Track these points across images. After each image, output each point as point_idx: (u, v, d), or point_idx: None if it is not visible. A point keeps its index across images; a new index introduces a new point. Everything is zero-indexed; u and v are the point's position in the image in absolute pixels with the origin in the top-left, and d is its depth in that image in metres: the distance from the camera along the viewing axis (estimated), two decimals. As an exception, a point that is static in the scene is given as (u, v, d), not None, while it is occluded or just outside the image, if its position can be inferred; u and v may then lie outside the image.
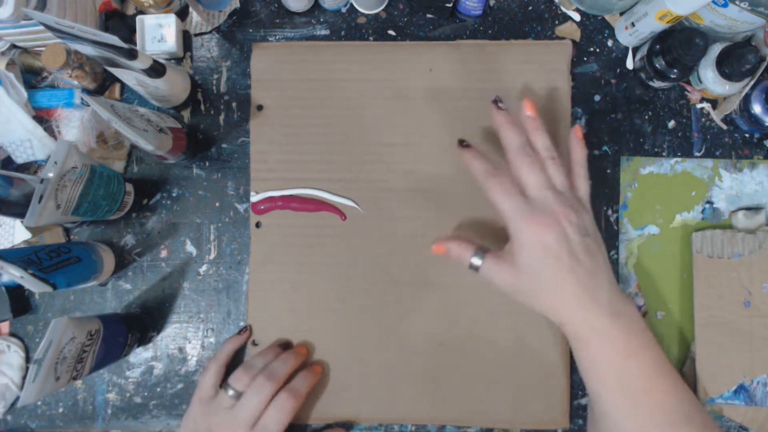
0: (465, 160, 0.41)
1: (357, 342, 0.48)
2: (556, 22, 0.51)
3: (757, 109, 0.47)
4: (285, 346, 0.48)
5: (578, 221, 0.37)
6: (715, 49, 0.47)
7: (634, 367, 0.36)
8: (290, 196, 0.49)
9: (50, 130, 0.50)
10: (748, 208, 0.49)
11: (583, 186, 0.40)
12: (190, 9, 0.51)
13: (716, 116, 0.50)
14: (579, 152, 0.41)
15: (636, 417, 0.36)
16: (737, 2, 0.42)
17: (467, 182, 0.49)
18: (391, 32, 0.52)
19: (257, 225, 0.50)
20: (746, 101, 0.47)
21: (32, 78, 0.51)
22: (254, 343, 0.49)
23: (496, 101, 0.41)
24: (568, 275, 0.36)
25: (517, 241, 0.38)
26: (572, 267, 0.36)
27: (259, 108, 0.50)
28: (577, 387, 0.49)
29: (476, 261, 0.39)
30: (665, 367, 0.37)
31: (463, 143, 0.42)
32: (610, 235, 0.50)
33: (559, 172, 0.39)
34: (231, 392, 0.43)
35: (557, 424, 0.47)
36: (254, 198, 0.49)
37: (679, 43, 0.44)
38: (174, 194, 0.51)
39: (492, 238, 0.49)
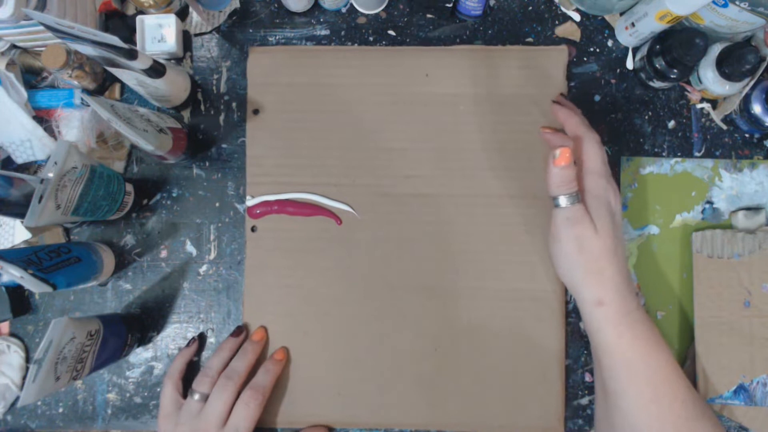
0: (561, 116, 0.44)
1: (353, 346, 0.48)
2: (556, 22, 0.51)
3: (757, 109, 0.47)
4: (239, 332, 0.48)
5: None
6: (715, 49, 0.47)
7: (658, 355, 0.36)
8: (286, 200, 0.49)
9: (50, 130, 0.50)
10: (748, 208, 0.49)
11: None
12: (190, 9, 0.51)
13: (716, 116, 0.50)
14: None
15: (658, 408, 0.36)
16: (737, 2, 0.42)
17: (462, 187, 0.49)
18: (391, 32, 0.52)
19: (253, 229, 0.50)
20: (746, 101, 0.47)
21: (32, 78, 0.51)
22: None
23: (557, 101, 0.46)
24: (621, 247, 0.38)
25: (597, 198, 0.38)
26: (621, 240, 0.39)
27: (256, 112, 0.50)
28: (576, 387, 0.49)
29: (566, 201, 0.38)
30: (676, 362, 0.38)
31: (555, 101, 0.46)
32: (610, 235, 0.50)
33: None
34: (197, 396, 0.43)
35: (553, 430, 0.47)
36: (250, 202, 0.49)
37: (679, 43, 0.44)
38: (174, 194, 0.51)
39: (487, 243, 0.49)
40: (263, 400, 0.44)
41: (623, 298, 0.37)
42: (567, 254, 0.39)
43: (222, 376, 0.44)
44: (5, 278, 0.49)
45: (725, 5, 0.43)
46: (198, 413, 0.43)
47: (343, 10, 0.52)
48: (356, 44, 0.51)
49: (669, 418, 0.36)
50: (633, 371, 0.37)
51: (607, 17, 0.51)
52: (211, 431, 0.42)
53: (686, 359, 0.48)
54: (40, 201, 0.39)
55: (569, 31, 0.51)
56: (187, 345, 0.49)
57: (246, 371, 0.45)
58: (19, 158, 0.49)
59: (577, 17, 0.51)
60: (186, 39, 0.51)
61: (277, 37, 0.52)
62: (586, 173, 0.40)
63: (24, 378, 0.48)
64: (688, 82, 0.50)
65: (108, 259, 0.48)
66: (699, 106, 0.51)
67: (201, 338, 0.49)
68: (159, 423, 0.44)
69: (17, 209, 0.41)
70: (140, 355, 0.50)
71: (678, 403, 0.36)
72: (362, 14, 0.52)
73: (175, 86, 0.47)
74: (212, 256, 0.50)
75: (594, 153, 0.40)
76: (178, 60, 0.51)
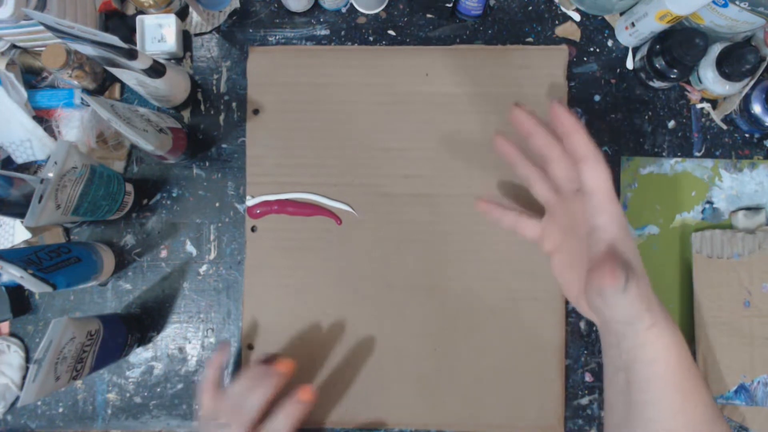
0: (568, 125, 0.37)
1: (352, 346, 0.48)
2: (556, 22, 0.51)
3: (757, 109, 0.47)
4: (272, 358, 0.45)
5: None
6: (715, 49, 0.47)
7: (686, 361, 0.36)
8: (286, 200, 0.49)
9: (50, 130, 0.50)
10: (748, 208, 0.49)
11: None
12: (190, 9, 0.51)
13: (716, 116, 0.50)
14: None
15: (683, 415, 0.35)
16: (737, 2, 0.42)
17: (462, 187, 0.49)
18: (391, 32, 0.52)
19: (253, 229, 0.50)
20: (746, 101, 0.47)
21: (32, 78, 0.51)
22: (249, 347, 0.49)
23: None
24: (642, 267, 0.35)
25: (627, 238, 0.34)
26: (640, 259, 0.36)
27: (255, 112, 0.50)
28: (576, 387, 0.49)
29: (627, 286, 0.32)
30: (695, 363, 0.37)
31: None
32: (610, 235, 0.49)
33: None
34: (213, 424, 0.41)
35: (553, 429, 0.47)
36: (250, 202, 0.49)
37: (679, 43, 0.44)
38: (174, 194, 0.51)
39: (487, 243, 0.49)
40: None
41: (660, 308, 0.36)
42: (627, 314, 0.34)
43: (232, 413, 0.40)
44: (5, 278, 0.49)
45: (725, 5, 0.43)
46: None
47: (343, 10, 0.52)
48: (356, 44, 0.51)
49: (692, 422, 0.36)
50: (667, 381, 0.36)
51: (607, 17, 0.51)
52: None
53: (686, 359, 0.48)
54: (40, 201, 0.39)
55: (569, 31, 0.51)
56: (218, 351, 0.45)
57: (260, 409, 0.40)
58: (19, 158, 0.49)
59: (577, 17, 0.51)
60: (186, 39, 0.51)
61: (277, 37, 0.52)
62: (607, 203, 0.34)
63: (24, 378, 0.48)
64: (688, 82, 0.50)
65: (108, 259, 0.48)
66: (699, 106, 0.51)
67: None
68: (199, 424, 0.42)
69: (17, 209, 0.41)
70: (140, 355, 0.50)
71: (701, 407, 0.36)
72: (362, 14, 0.52)
73: (175, 86, 0.47)
74: (212, 256, 0.50)
75: (608, 178, 0.34)
76: (178, 60, 0.51)
